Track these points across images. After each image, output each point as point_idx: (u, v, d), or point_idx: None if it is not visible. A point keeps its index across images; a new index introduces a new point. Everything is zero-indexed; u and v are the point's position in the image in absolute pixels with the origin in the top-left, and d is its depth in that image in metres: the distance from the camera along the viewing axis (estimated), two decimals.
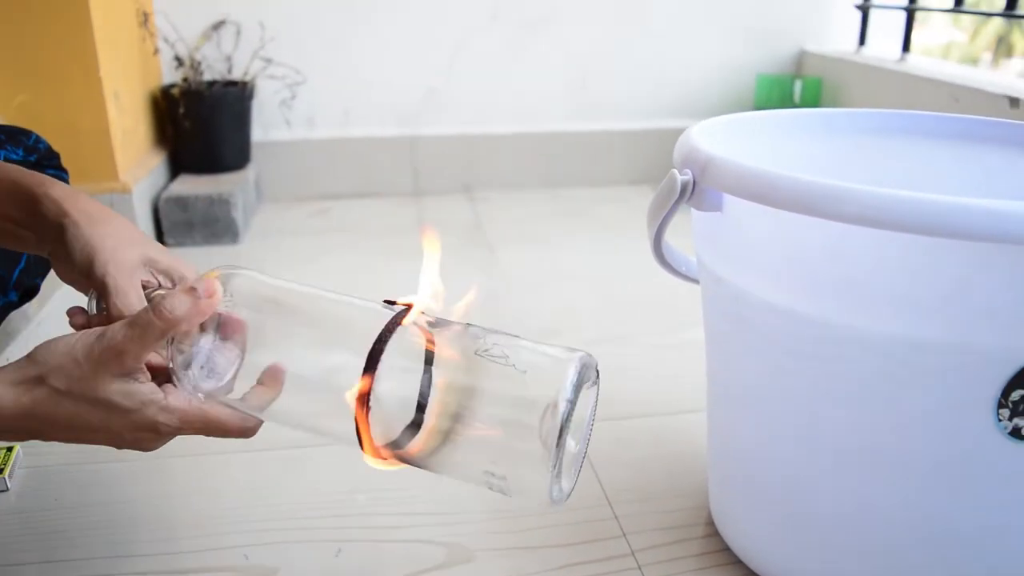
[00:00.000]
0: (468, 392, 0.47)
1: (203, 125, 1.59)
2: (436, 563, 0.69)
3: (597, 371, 0.49)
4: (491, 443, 0.46)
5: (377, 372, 0.47)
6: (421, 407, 0.48)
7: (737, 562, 0.69)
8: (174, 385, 0.53)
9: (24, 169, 0.62)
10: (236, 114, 1.63)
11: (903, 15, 1.75)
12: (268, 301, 0.54)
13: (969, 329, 0.49)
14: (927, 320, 0.49)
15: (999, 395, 0.50)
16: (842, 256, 0.51)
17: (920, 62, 1.67)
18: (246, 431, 0.55)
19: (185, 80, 1.62)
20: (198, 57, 1.64)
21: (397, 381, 0.48)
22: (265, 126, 1.74)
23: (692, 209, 0.59)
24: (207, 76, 1.65)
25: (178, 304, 0.50)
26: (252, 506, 0.75)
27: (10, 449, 0.80)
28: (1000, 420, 0.50)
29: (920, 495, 0.55)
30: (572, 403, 0.45)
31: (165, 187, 1.57)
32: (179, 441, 0.84)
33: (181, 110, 1.57)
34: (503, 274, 1.35)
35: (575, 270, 1.38)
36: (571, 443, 0.47)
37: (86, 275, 0.58)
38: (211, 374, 0.54)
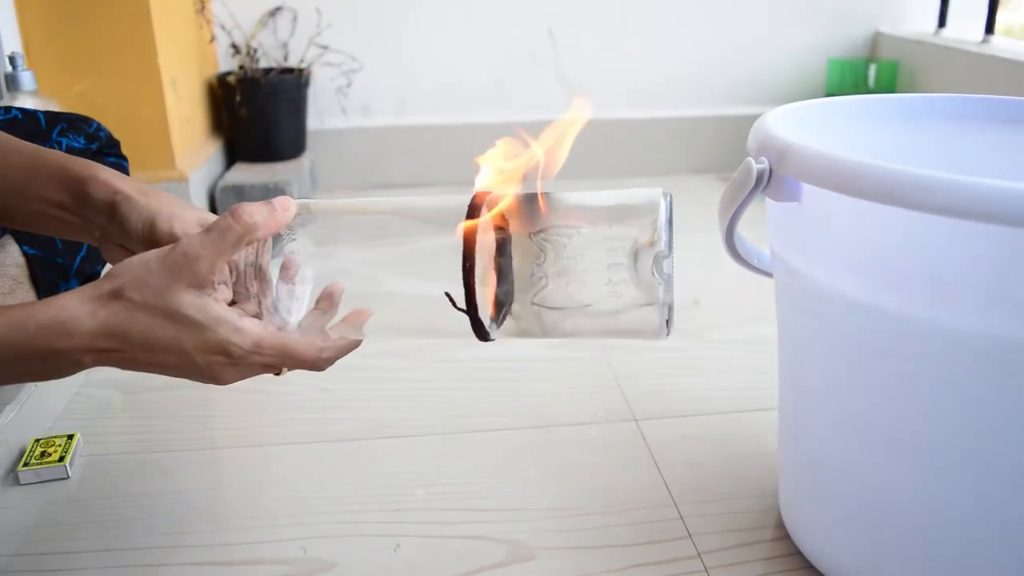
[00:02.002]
0: (570, 250, 0.49)
1: (259, 113, 1.59)
2: (496, 561, 0.67)
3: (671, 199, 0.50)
4: (601, 290, 0.48)
5: (475, 263, 0.49)
6: (528, 278, 0.50)
7: (808, 567, 0.66)
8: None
9: (69, 155, 0.61)
10: (292, 102, 1.63)
11: None
12: (333, 225, 0.56)
13: None
14: (1016, 317, 0.47)
15: None
16: (928, 248, 0.49)
17: (1004, 43, 1.61)
18: (318, 362, 0.54)
19: (241, 68, 1.62)
20: (254, 44, 1.64)
21: (499, 261, 0.51)
22: (320, 114, 1.74)
23: (767, 199, 0.57)
24: (263, 63, 1.65)
25: (256, 210, 0.51)
26: (309, 498, 0.74)
27: (71, 437, 0.81)
28: None
29: (1005, 499, 0.53)
30: (669, 234, 0.48)
31: (221, 175, 1.57)
32: (233, 432, 0.85)
33: (237, 98, 1.57)
34: None
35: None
36: (670, 272, 0.50)
37: (147, 239, 0.57)
38: (290, 309, 0.54)
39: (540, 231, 0.50)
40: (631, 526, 0.71)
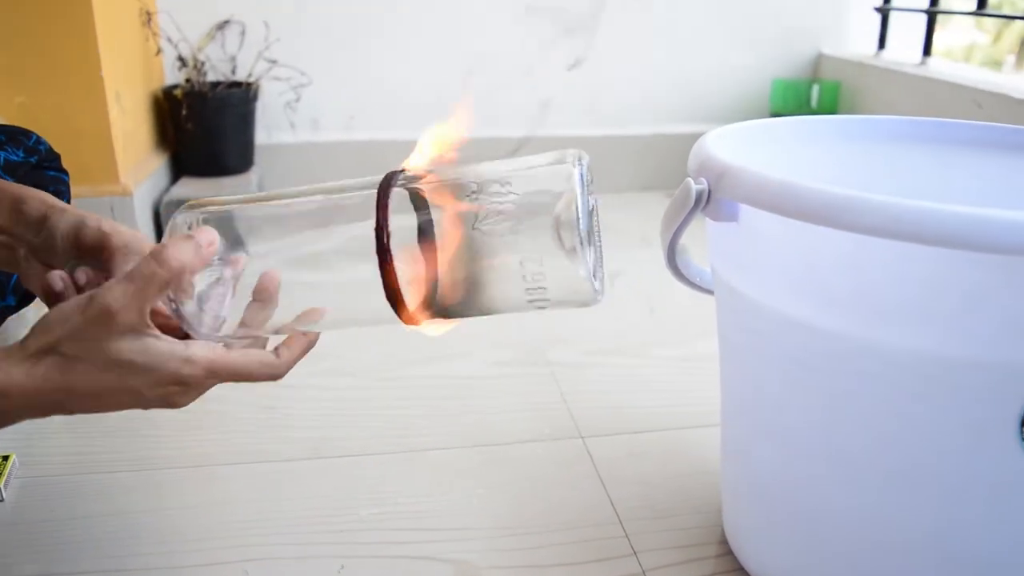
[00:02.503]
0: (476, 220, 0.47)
1: (206, 127, 1.57)
2: None
3: (581, 155, 0.50)
4: (516, 257, 0.47)
5: (390, 244, 0.47)
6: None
7: None
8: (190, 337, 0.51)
9: (3, 180, 0.60)
10: (240, 116, 1.61)
11: (923, 18, 1.72)
12: (249, 223, 0.53)
13: (991, 344, 0.47)
14: (947, 334, 0.48)
15: (1023, 413, 0.49)
16: (860, 268, 0.50)
17: (941, 66, 1.65)
18: (275, 372, 0.52)
19: (188, 81, 1.60)
20: (201, 58, 1.62)
21: (407, 244, 0.48)
22: (269, 128, 1.73)
23: (707, 219, 0.58)
24: (211, 77, 1.64)
25: (182, 250, 0.48)
26: (252, 520, 0.73)
27: (5, 459, 0.79)
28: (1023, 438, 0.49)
29: (942, 513, 0.54)
30: (585, 202, 0.47)
31: (167, 190, 1.55)
32: (175, 451, 0.83)
33: (184, 112, 1.55)
34: None
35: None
36: (595, 241, 0.49)
37: (73, 243, 0.56)
38: (216, 315, 0.52)
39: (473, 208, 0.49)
40: (577, 544, 0.71)
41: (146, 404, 0.50)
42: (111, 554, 0.69)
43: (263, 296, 0.52)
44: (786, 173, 0.50)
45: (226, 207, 0.53)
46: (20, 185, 0.58)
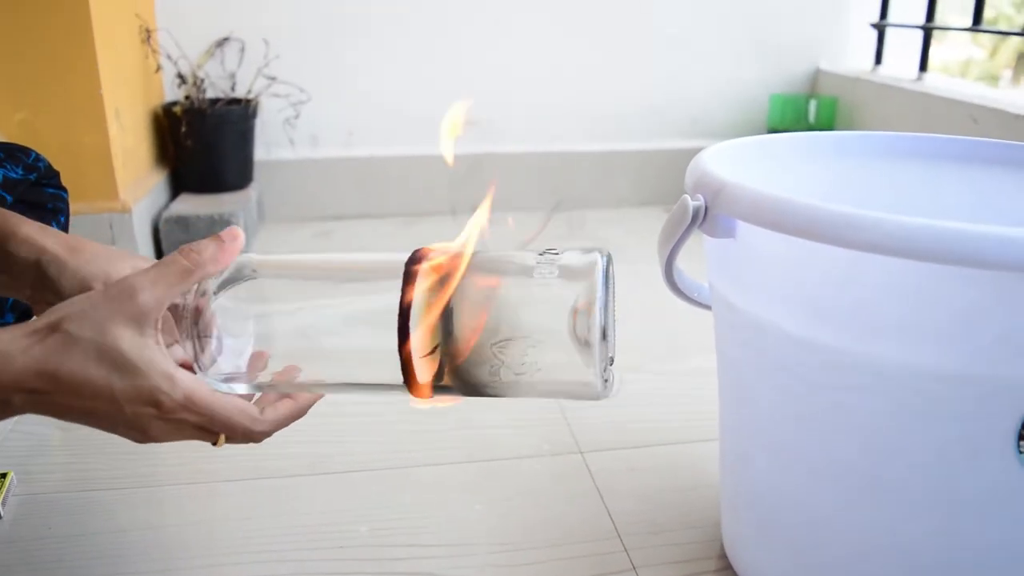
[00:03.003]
0: (494, 312, 0.48)
1: (205, 144, 1.58)
2: None
3: (610, 259, 0.50)
4: (530, 355, 0.47)
5: (412, 321, 0.48)
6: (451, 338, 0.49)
7: None
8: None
9: None
10: (239, 133, 1.62)
11: (919, 34, 1.73)
12: (281, 286, 0.54)
13: (987, 359, 0.48)
14: (943, 350, 0.48)
15: (1019, 426, 0.49)
16: (856, 284, 0.50)
17: (938, 81, 1.66)
18: (252, 434, 0.52)
19: (188, 98, 1.61)
20: (201, 75, 1.63)
21: (424, 322, 0.49)
22: (268, 145, 1.73)
23: (704, 235, 0.58)
24: (210, 94, 1.64)
25: (204, 246, 0.49)
26: (249, 537, 0.73)
27: (4, 476, 0.79)
28: (1021, 451, 0.50)
29: (939, 527, 0.54)
30: (605, 299, 0.47)
31: (166, 207, 1.56)
32: (174, 468, 0.83)
33: (183, 128, 1.56)
34: None
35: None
36: (610, 337, 0.49)
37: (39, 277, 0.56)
38: (227, 364, 0.52)
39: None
40: (576, 559, 0.71)
41: (121, 421, 0.50)
42: (110, 571, 0.69)
43: (256, 364, 0.52)
44: (782, 189, 0.50)
45: (257, 262, 0.54)
46: (5, 216, 0.57)
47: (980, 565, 0.54)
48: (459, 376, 0.49)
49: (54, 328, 0.47)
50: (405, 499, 0.79)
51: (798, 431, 0.57)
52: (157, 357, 0.48)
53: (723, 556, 0.71)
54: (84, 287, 0.55)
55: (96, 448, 0.87)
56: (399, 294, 0.48)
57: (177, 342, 0.53)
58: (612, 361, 0.50)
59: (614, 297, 0.51)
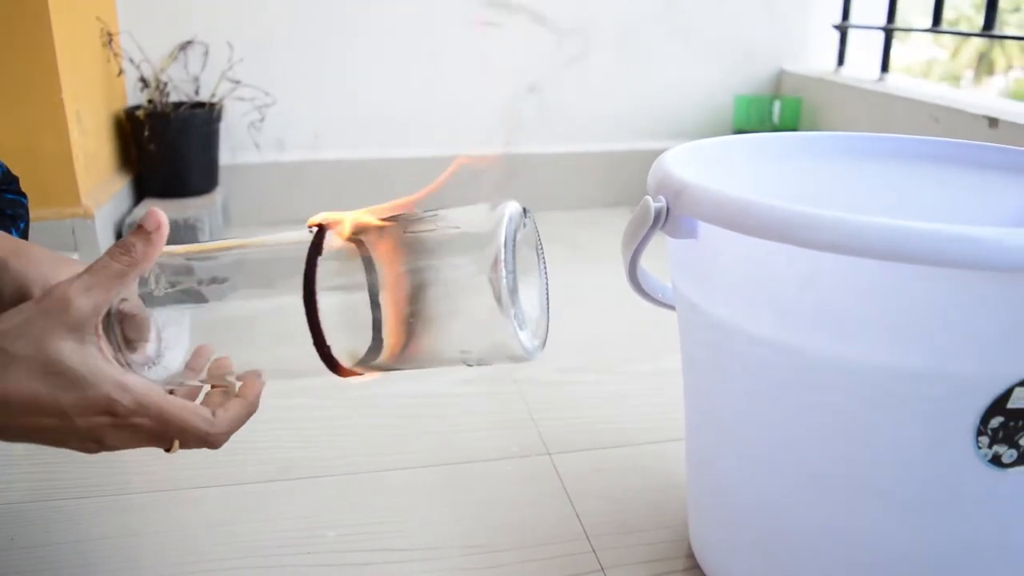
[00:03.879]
0: (413, 275, 0.47)
1: (169, 148, 1.56)
2: None
3: (525, 211, 0.50)
4: (448, 319, 0.46)
5: (317, 302, 0.47)
6: (378, 312, 0.47)
7: None
8: None
9: None
10: (203, 137, 1.61)
11: (881, 35, 1.75)
12: (189, 272, 0.52)
13: (946, 356, 0.48)
14: (904, 348, 0.49)
15: (978, 423, 0.49)
16: (817, 284, 0.50)
17: (899, 82, 1.68)
18: (208, 437, 0.51)
19: (151, 102, 1.59)
20: (164, 78, 1.61)
21: (342, 299, 0.48)
22: (233, 149, 1.72)
23: (667, 236, 0.58)
24: (173, 97, 1.63)
25: (131, 241, 0.48)
26: (217, 544, 0.73)
27: None
28: (980, 448, 0.50)
29: (902, 523, 0.54)
30: (511, 248, 0.45)
31: (129, 212, 1.54)
32: (141, 476, 0.82)
33: (146, 132, 1.54)
34: None
35: (552, 294, 1.37)
36: (528, 296, 0.48)
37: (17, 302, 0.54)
38: (158, 364, 0.51)
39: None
40: (545, 561, 0.71)
41: (74, 435, 0.49)
42: None
43: (196, 363, 0.52)
44: (745, 190, 0.50)
45: (177, 258, 0.53)
46: None
47: (942, 560, 0.55)
48: (390, 362, 0.49)
49: None
50: (373, 503, 0.79)
51: (762, 430, 0.58)
52: (103, 365, 0.47)
53: (691, 555, 0.72)
54: (22, 293, 0.54)
55: (61, 457, 0.86)
56: (302, 279, 0.47)
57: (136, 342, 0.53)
58: (546, 316, 0.50)
59: (542, 255, 0.51)
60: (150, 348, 0.51)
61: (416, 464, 0.85)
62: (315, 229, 0.50)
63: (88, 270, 0.48)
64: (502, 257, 0.45)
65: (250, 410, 0.54)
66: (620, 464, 0.85)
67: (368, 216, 0.50)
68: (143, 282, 0.51)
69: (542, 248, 0.50)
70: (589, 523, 0.76)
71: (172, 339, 0.52)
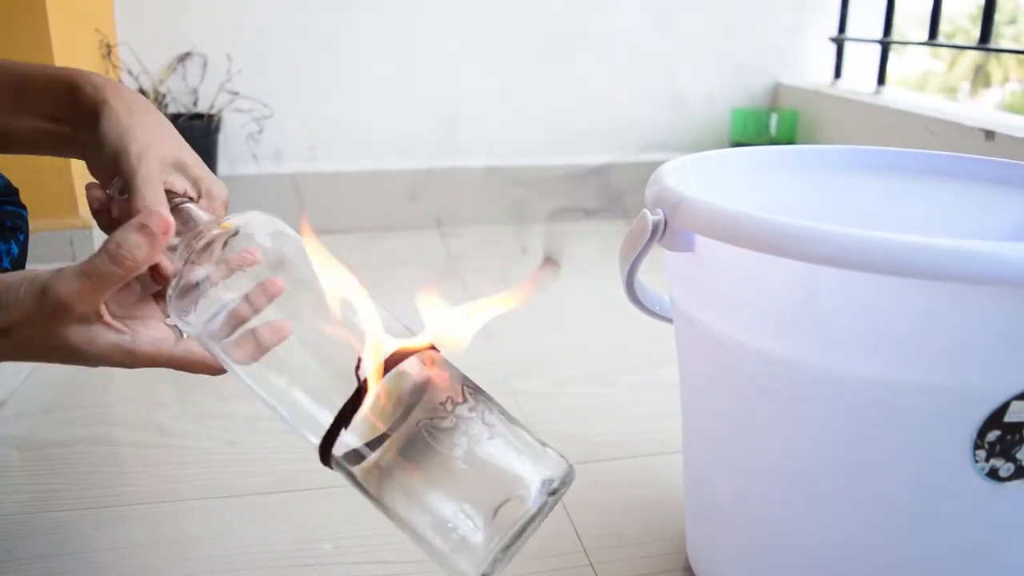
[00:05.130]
0: (435, 452, 0.46)
1: None
2: None
3: (567, 482, 0.49)
4: (436, 511, 0.46)
5: (369, 391, 0.47)
6: (382, 439, 0.47)
7: None
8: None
9: (53, 66, 0.60)
10: (201, 148, 1.60)
11: (878, 48, 1.76)
12: (291, 259, 0.54)
13: (943, 370, 0.48)
14: (900, 361, 0.49)
15: (975, 436, 0.49)
16: (813, 297, 0.50)
17: (896, 95, 1.69)
18: (215, 370, 0.54)
19: None
20: (163, 90, 1.62)
21: (379, 406, 0.47)
22: (231, 160, 1.72)
23: (664, 249, 0.58)
24: (172, 109, 1.63)
25: (134, 245, 0.47)
26: (215, 555, 0.72)
27: None
28: (977, 461, 0.50)
29: (899, 537, 0.54)
30: (535, 515, 0.45)
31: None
32: (138, 487, 0.82)
33: None
34: None
35: (549, 307, 1.37)
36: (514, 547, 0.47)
37: (116, 162, 0.56)
38: (204, 308, 0.52)
39: (430, 419, 0.47)
40: (542, 574, 0.71)
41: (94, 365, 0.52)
42: None
43: (272, 334, 0.52)
44: (743, 203, 0.51)
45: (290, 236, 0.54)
46: (75, 69, 0.59)
47: (939, 573, 0.55)
48: (365, 479, 0.50)
49: (3, 333, 0.49)
50: (370, 516, 0.78)
51: (759, 443, 0.58)
52: (111, 340, 0.50)
53: (688, 568, 0.72)
54: (122, 148, 0.56)
55: (58, 468, 0.86)
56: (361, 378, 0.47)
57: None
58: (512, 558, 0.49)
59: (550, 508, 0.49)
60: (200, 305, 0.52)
61: None
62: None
63: (84, 271, 0.48)
64: (521, 518, 0.45)
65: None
66: (617, 477, 0.85)
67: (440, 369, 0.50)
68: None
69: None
70: (586, 536, 0.76)
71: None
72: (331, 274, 0.51)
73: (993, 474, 0.50)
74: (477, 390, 0.49)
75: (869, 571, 0.56)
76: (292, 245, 0.55)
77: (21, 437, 0.91)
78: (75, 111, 0.58)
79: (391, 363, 0.47)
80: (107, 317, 0.50)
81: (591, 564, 0.72)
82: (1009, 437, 0.49)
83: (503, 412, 0.49)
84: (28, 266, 0.78)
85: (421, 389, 0.47)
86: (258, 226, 0.54)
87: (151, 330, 0.52)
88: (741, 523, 0.62)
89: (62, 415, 0.96)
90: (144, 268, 0.49)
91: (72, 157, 0.63)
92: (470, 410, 0.47)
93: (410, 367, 0.48)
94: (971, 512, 0.52)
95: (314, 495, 0.82)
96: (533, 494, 0.45)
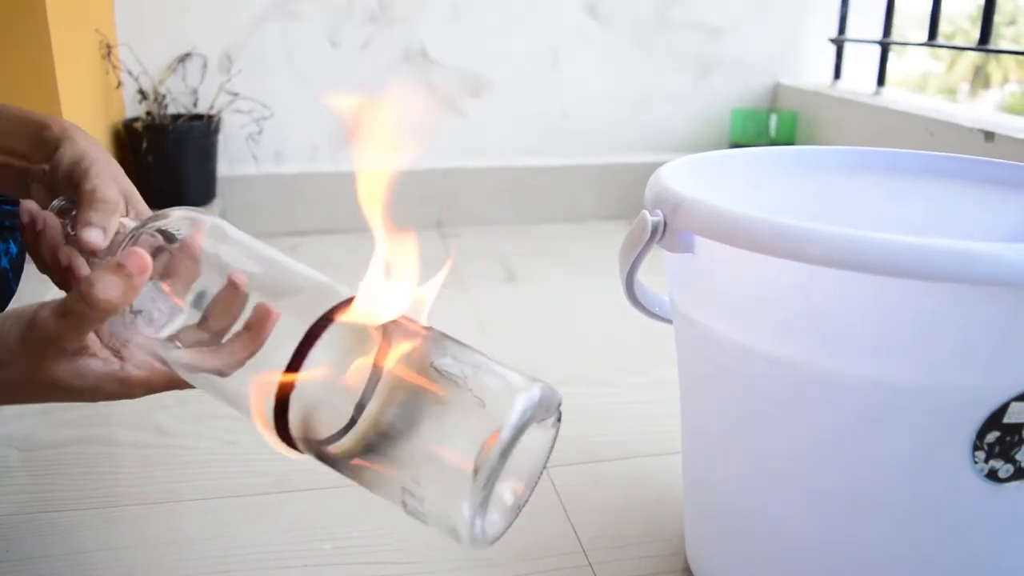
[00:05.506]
0: (409, 404, 0.43)
1: (167, 160, 1.57)
2: None
3: (559, 410, 0.45)
4: (419, 462, 0.42)
5: (306, 361, 0.44)
6: (360, 408, 0.43)
7: None
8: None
9: (30, 110, 0.61)
10: (201, 149, 1.61)
11: (877, 49, 1.76)
12: (219, 255, 0.50)
13: (942, 371, 0.48)
14: (899, 362, 0.49)
15: (974, 437, 0.49)
16: (813, 298, 0.50)
17: (895, 96, 1.69)
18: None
19: (149, 114, 1.59)
20: (162, 90, 1.62)
21: (337, 376, 0.44)
22: (231, 161, 1.72)
23: (664, 250, 0.58)
24: (172, 110, 1.63)
25: (110, 287, 0.46)
26: (213, 556, 0.72)
27: None
28: (976, 462, 0.50)
29: (898, 537, 0.54)
30: (514, 437, 0.41)
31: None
32: (136, 488, 0.82)
33: (144, 145, 1.55)
34: (475, 312, 1.33)
35: (549, 307, 1.37)
36: (509, 483, 0.44)
37: (68, 175, 0.55)
38: (154, 321, 0.49)
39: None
40: (541, 574, 0.71)
41: (94, 399, 0.51)
42: None
43: (256, 328, 0.49)
44: (742, 204, 0.51)
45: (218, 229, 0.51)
46: (49, 115, 0.60)
47: (938, 573, 0.55)
48: (336, 457, 0.46)
49: None
50: (370, 516, 0.79)
51: (758, 443, 0.58)
52: (100, 372, 0.49)
53: (687, 569, 0.72)
54: (77, 159, 0.55)
55: (57, 469, 0.86)
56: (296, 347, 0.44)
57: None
58: (519, 512, 0.46)
59: (551, 445, 0.46)
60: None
61: None
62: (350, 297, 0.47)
63: (64, 312, 0.46)
64: (501, 442, 0.40)
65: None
66: (616, 477, 0.85)
67: (409, 323, 0.47)
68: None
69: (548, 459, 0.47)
70: (585, 536, 0.76)
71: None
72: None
73: (992, 475, 0.50)
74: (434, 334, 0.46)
75: (868, 572, 0.56)
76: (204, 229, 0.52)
77: (21, 437, 0.91)
78: (37, 147, 0.59)
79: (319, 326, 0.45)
80: (94, 347, 0.49)
81: (590, 564, 0.72)
82: (1008, 438, 0.49)
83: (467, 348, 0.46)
84: (26, 265, 0.78)
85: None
86: (173, 221, 0.52)
87: (136, 361, 0.50)
88: (741, 524, 0.62)
89: (62, 415, 0.96)
90: (122, 307, 0.47)
91: (14, 192, 0.62)
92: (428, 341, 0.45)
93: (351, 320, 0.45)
94: (970, 513, 0.52)
95: (314, 496, 0.82)
96: (514, 416, 0.41)
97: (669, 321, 0.67)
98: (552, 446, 0.47)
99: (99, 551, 0.73)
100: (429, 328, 0.47)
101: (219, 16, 1.65)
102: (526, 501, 0.47)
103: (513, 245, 1.71)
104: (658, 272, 0.64)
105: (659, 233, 0.56)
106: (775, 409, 0.55)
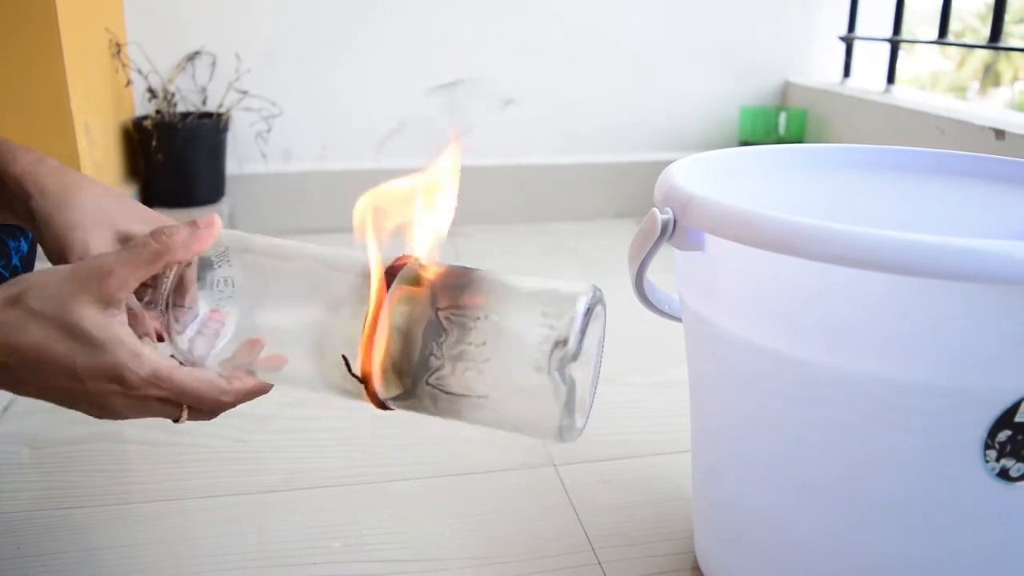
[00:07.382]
0: (474, 334, 0.46)
1: (176, 158, 1.57)
2: None
3: (603, 303, 0.49)
4: (500, 382, 0.46)
5: (379, 328, 0.47)
6: (426, 357, 0.47)
7: None
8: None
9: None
10: (210, 147, 1.61)
11: (887, 47, 1.76)
12: (260, 263, 0.54)
13: (954, 370, 0.48)
14: (911, 361, 0.49)
15: (986, 436, 0.49)
16: (824, 296, 0.50)
17: (905, 94, 1.68)
18: (218, 404, 0.52)
19: (158, 112, 1.60)
20: (172, 89, 1.62)
21: (398, 333, 0.47)
22: (240, 159, 1.73)
23: (674, 248, 0.58)
24: (181, 108, 1.64)
25: (176, 229, 0.48)
26: (224, 553, 0.73)
27: None
28: (987, 461, 0.50)
29: (908, 536, 0.54)
30: (582, 333, 0.45)
31: None
32: (146, 485, 0.82)
33: (154, 143, 1.55)
34: None
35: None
36: (581, 376, 0.47)
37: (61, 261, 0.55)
38: (199, 341, 0.51)
39: (448, 307, 0.47)
40: (550, 572, 0.71)
41: (83, 399, 0.49)
42: None
43: (245, 353, 0.51)
44: (752, 202, 0.51)
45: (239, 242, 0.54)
46: (23, 173, 0.58)
47: (948, 573, 0.55)
48: (418, 396, 0.49)
49: (15, 301, 0.47)
50: (379, 514, 0.79)
51: (768, 443, 0.58)
52: (122, 334, 0.48)
53: (696, 568, 0.71)
54: (61, 256, 0.54)
55: (68, 466, 0.86)
56: (369, 301, 0.48)
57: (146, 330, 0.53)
58: (592, 405, 0.50)
59: (601, 345, 0.50)
60: (189, 319, 0.51)
61: (422, 475, 0.85)
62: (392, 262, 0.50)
63: (129, 246, 0.48)
64: (573, 339, 0.45)
65: (262, 389, 0.54)
66: (625, 476, 0.85)
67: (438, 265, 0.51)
68: (207, 263, 0.52)
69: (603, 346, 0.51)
70: (594, 535, 0.76)
71: (216, 324, 0.52)
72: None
73: (1003, 474, 0.50)
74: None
75: (878, 571, 0.56)
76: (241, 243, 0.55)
77: (31, 434, 0.91)
78: (8, 200, 0.58)
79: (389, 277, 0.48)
80: (123, 315, 0.49)
81: (599, 563, 0.72)
82: (1020, 437, 0.49)
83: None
84: (36, 264, 0.78)
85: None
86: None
87: (155, 350, 0.50)
88: (750, 522, 0.62)
89: (72, 412, 0.96)
90: (183, 256, 0.49)
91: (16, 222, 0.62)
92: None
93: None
94: (980, 512, 0.52)
95: (323, 493, 0.82)
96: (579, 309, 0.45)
97: (678, 319, 0.67)
98: (603, 338, 0.51)
99: (109, 548, 0.73)
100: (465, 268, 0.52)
101: (228, 15, 1.66)
102: (594, 393, 0.52)
103: (522, 244, 1.71)
104: (668, 270, 0.64)
105: (669, 231, 0.56)
106: (785, 407, 0.55)
